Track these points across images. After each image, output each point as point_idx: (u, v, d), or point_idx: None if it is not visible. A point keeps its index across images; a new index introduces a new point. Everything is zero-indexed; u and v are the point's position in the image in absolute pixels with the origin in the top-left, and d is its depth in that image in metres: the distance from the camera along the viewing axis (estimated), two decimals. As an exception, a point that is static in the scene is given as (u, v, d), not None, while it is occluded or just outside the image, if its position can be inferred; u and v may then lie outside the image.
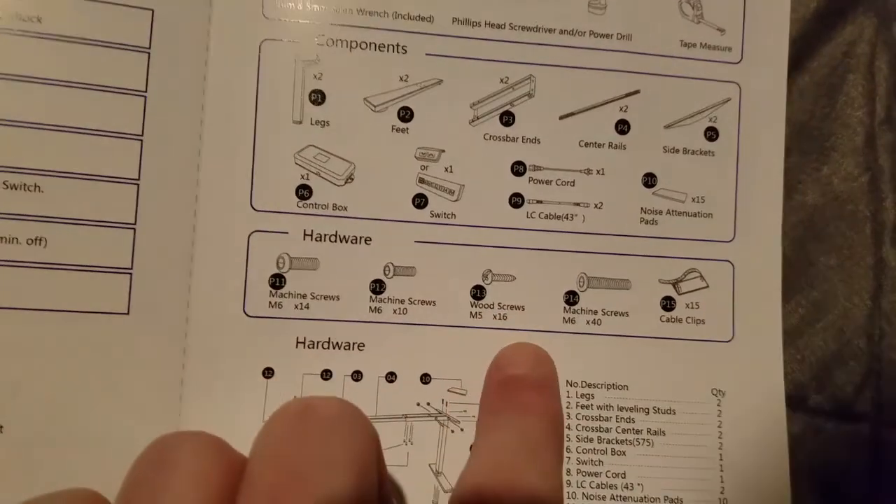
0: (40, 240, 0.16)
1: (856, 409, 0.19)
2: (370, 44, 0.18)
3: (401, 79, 0.18)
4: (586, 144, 0.19)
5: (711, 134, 0.19)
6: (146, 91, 0.17)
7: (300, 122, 0.18)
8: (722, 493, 0.18)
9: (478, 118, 0.18)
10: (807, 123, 0.20)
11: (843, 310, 0.19)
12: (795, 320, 0.20)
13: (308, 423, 0.11)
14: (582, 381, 0.19)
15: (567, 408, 0.18)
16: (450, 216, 0.18)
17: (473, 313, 0.18)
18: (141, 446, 0.12)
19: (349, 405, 0.11)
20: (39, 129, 0.16)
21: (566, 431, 0.18)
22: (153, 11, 0.17)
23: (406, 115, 0.18)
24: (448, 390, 0.18)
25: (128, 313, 0.17)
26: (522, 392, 0.12)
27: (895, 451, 0.19)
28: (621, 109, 0.19)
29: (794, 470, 0.19)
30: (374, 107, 0.18)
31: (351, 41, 0.18)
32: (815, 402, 0.19)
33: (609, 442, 0.18)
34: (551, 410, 0.12)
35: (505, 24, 0.19)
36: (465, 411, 0.18)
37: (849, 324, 0.19)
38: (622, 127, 0.19)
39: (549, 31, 0.19)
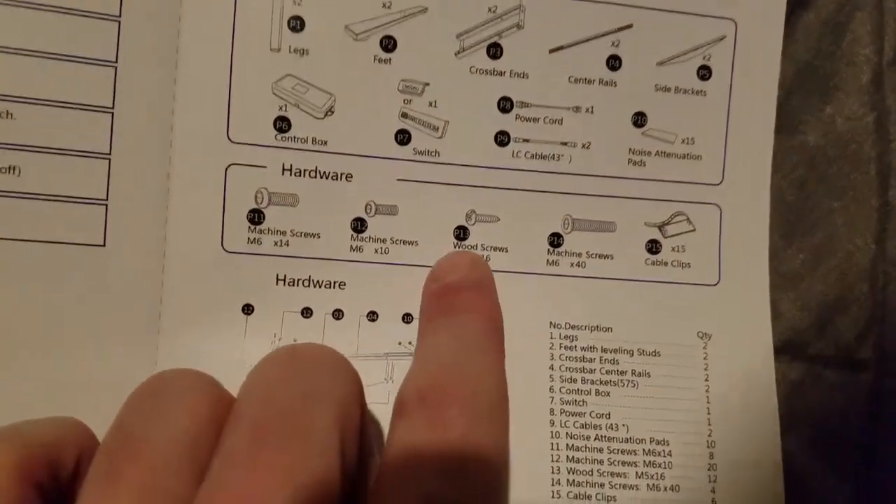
0: (13, 168, 0.16)
1: (857, 356, 0.18)
2: (351, -32, 0.17)
3: (384, 5, 0.17)
4: (576, 80, 0.18)
5: (704, 73, 0.19)
6: (120, 16, 0.16)
7: (278, 50, 0.17)
8: (710, 435, 0.18)
9: (464, 50, 0.18)
10: (811, 62, 0.19)
11: (845, 254, 0.19)
12: (796, 265, 0.19)
13: (293, 365, 0.11)
14: (566, 323, 0.18)
15: (550, 349, 0.18)
16: (434, 154, 0.18)
17: (457, 254, 0.18)
18: (117, 380, 0.12)
19: (334, 351, 0.11)
20: (9, 53, 0.16)
21: (549, 372, 0.18)
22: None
23: (389, 44, 0.18)
24: (430, 331, 0.18)
25: (104, 245, 0.17)
26: (458, 295, 0.12)
27: None
28: (613, 44, 0.18)
29: (792, 418, 0.18)
30: (356, 35, 0.17)
31: (330, -35, 0.17)
32: (816, 349, 0.19)
33: (593, 383, 0.18)
34: (488, 308, 0.12)
35: (493, -50, 0.18)
36: (447, 351, 0.18)
37: (851, 268, 0.19)
38: (613, 63, 0.18)
39: (540, -42, 0.18)
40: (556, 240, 0.18)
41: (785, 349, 0.19)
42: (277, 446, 0.09)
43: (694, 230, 0.19)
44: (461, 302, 0.12)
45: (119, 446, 0.10)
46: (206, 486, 0.09)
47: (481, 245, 0.18)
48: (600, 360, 0.18)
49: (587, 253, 0.18)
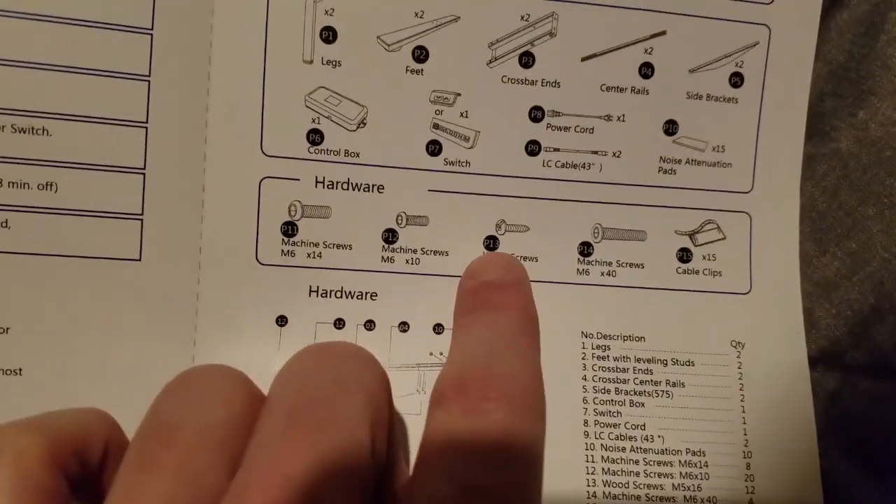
0: (51, 185, 0.16)
1: (894, 365, 0.18)
2: (383, -23, 0.17)
3: (416, 15, 0.17)
4: (608, 89, 0.18)
5: (736, 80, 0.18)
6: (152, 29, 0.16)
7: (311, 62, 0.17)
8: (746, 445, 0.18)
9: (496, 59, 0.18)
10: (844, 64, 0.19)
11: (882, 261, 0.19)
12: (830, 273, 0.19)
13: (324, 358, 0.11)
14: (597, 333, 0.18)
15: (583, 359, 0.18)
16: (464, 164, 0.18)
17: (488, 263, 0.18)
18: (154, 393, 0.12)
19: (362, 349, 0.12)
20: (44, 69, 0.16)
21: (582, 382, 0.18)
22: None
23: (421, 54, 0.17)
24: (462, 341, 0.18)
25: (140, 259, 0.17)
26: (495, 292, 0.12)
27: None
28: (646, 51, 0.18)
29: (828, 428, 0.18)
30: (388, 45, 0.17)
31: (362, -25, 0.17)
32: (852, 358, 0.18)
33: (627, 393, 0.18)
34: (524, 305, 0.12)
35: (526, -42, 0.18)
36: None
37: (889, 276, 0.19)
38: (646, 70, 0.18)
39: (572, -35, 0.18)
40: (586, 249, 0.18)
41: (820, 358, 0.19)
42: (308, 429, 0.09)
43: (724, 238, 0.19)
44: (497, 299, 0.12)
45: (154, 433, 0.10)
46: (240, 473, 0.09)
47: (511, 254, 0.18)
48: (634, 369, 0.18)
49: (617, 262, 0.18)
